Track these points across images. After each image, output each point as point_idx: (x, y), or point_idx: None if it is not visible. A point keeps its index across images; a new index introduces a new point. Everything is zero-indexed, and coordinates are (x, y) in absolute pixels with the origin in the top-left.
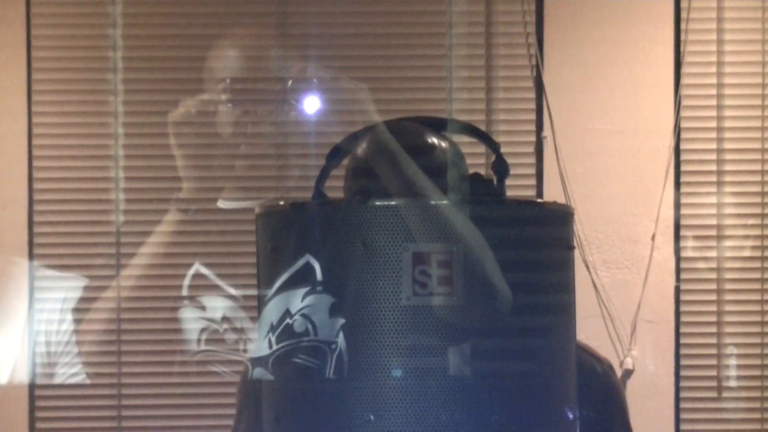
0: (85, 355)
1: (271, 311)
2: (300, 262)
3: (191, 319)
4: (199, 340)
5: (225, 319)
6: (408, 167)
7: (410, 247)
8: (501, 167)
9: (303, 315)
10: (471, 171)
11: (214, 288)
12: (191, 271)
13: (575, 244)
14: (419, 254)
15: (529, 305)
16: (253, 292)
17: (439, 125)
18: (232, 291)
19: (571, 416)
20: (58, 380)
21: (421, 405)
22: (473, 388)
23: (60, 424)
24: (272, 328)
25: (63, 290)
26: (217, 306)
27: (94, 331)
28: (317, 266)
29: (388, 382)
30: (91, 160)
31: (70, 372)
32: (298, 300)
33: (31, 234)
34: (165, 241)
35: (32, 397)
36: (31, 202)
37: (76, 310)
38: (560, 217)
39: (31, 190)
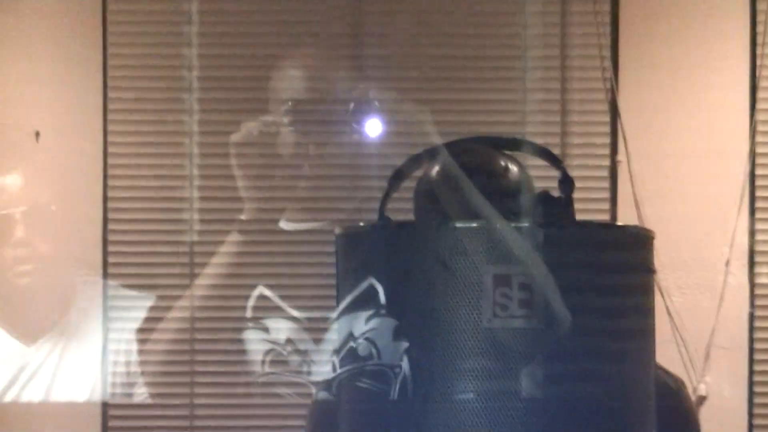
0: (157, 374)
1: (336, 334)
2: (364, 285)
3: (255, 341)
4: (263, 362)
5: (289, 341)
6: (469, 192)
7: (491, 269)
8: (567, 185)
9: (366, 338)
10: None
11: (277, 310)
12: (255, 293)
13: (655, 268)
14: (500, 276)
15: (608, 328)
16: (316, 314)
17: (504, 145)
18: (295, 313)
19: None
20: (131, 399)
21: (494, 429)
22: (548, 411)
23: None
24: (336, 351)
25: (136, 309)
26: (280, 328)
27: (165, 351)
28: (380, 289)
29: (460, 405)
30: (165, 180)
31: (144, 391)
32: (361, 323)
33: (105, 253)
34: (229, 262)
35: (105, 416)
36: (105, 221)
37: (148, 329)
38: (642, 241)
39: (105, 209)
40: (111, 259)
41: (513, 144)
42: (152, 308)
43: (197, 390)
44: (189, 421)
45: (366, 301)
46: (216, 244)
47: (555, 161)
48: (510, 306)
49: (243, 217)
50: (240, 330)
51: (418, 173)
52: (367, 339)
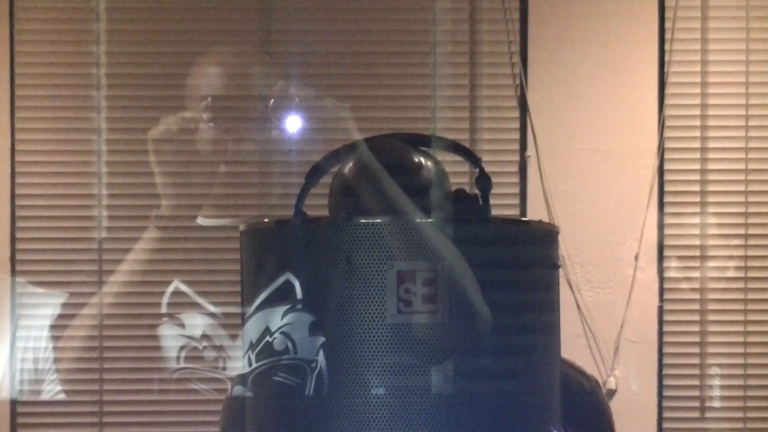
0: (66, 371)
1: (251, 329)
2: (280, 280)
3: (171, 337)
4: (178, 358)
5: (204, 336)
6: (388, 187)
7: (395, 265)
8: (484, 183)
9: (283, 333)
10: (454, 187)
11: (193, 305)
12: (170, 288)
13: (560, 263)
14: (404, 272)
15: (514, 324)
16: (233, 309)
17: (421, 142)
18: (212, 308)
19: None
20: (40, 397)
21: (404, 424)
22: (456, 407)
23: None
24: (252, 346)
25: (45, 306)
26: (196, 323)
27: (76, 348)
28: (297, 284)
29: (370, 401)
30: (73, 177)
31: (52, 389)
32: (278, 318)
33: (13, 250)
34: (144, 259)
35: (14, 414)
36: (13, 218)
37: (58, 326)
38: (545, 236)
39: (13, 206)
40: (19, 257)
41: (430, 141)
42: (62, 305)
43: (107, 387)
44: (99, 418)
45: (282, 295)
46: (125, 240)
47: (472, 159)
48: (414, 302)
49: (160, 213)
50: (154, 326)
51: (335, 169)
52: (283, 333)
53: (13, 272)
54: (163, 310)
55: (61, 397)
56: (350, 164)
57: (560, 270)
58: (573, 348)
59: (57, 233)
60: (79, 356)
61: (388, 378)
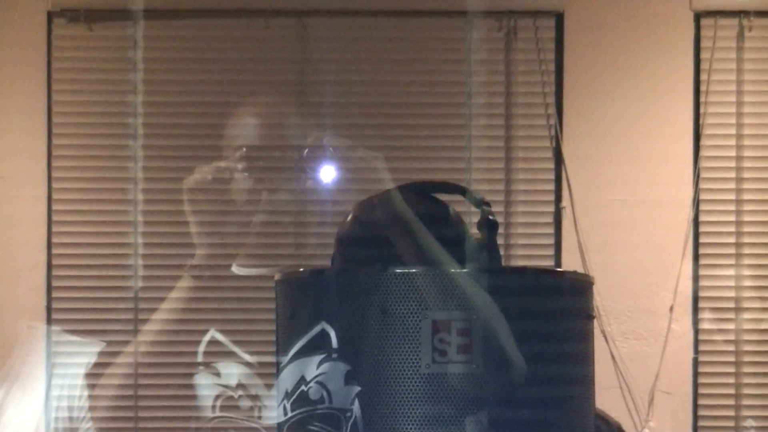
0: (102, 420)
1: (287, 378)
2: (316, 329)
3: (206, 386)
4: (214, 407)
5: (240, 385)
6: (423, 237)
7: (430, 315)
8: (491, 227)
9: (318, 382)
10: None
11: (229, 354)
12: (206, 338)
13: (594, 314)
14: (439, 322)
15: (548, 375)
16: (269, 359)
17: (428, 189)
18: (248, 357)
19: None
20: None
21: None
22: None
23: None
24: (287, 395)
25: (81, 355)
26: (232, 372)
27: (111, 397)
28: (333, 333)
29: None
30: (109, 226)
31: None
32: (313, 367)
33: (49, 299)
34: (179, 307)
35: None
36: (49, 266)
37: (93, 375)
38: (580, 287)
39: (50, 255)
40: (55, 305)
41: (439, 188)
42: (97, 353)
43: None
44: None
45: (317, 344)
46: (161, 289)
47: (477, 203)
48: (449, 351)
49: (194, 262)
50: (189, 375)
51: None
52: (318, 383)
53: (49, 320)
54: (199, 359)
55: None
56: (379, 213)
57: (595, 321)
58: (608, 399)
59: (93, 282)
60: (114, 404)
61: (422, 428)
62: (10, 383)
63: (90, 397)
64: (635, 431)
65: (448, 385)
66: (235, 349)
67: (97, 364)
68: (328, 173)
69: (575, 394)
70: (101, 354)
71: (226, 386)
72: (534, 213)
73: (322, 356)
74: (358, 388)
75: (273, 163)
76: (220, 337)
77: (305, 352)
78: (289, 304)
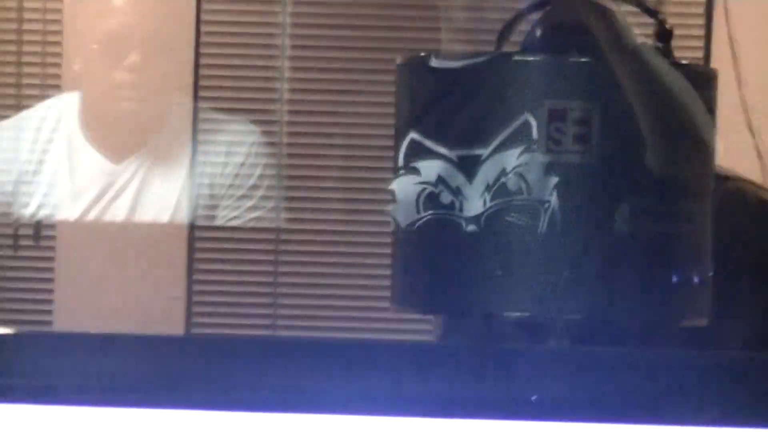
0: (246, 198)
1: (487, 170)
2: (518, 120)
3: (407, 186)
4: (417, 206)
5: (440, 180)
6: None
7: (546, 104)
8: (663, 32)
9: (517, 174)
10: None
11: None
12: (407, 139)
13: (715, 107)
14: (555, 111)
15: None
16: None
17: None
18: (446, 152)
19: (702, 278)
20: (217, 222)
21: (552, 261)
22: (608, 246)
23: (217, 266)
24: (488, 188)
25: (227, 133)
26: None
27: (256, 176)
28: (534, 124)
29: (517, 238)
30: (258, 17)
31: (231, 214)
32: (513, 159)
33: (197, 75)
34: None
35: (192, 238)
36: (198, 44)
37: (238, 153)
38: (703, 79)
39: (198, 31)
40: (202, 83)
41: None
42: (243, 132)
43: (285, 215)
44: (275, 245)
45: (518, 136)
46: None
47: (651, 12)
48: (564, 140)
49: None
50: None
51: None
52: (517, 174)
53: (196, 98)
54: (400, 163)
55: (239, 223)
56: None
57: (742, 116)
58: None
59: (241, 60)
60: (258, 183)
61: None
62: (155, 160)
63: (236, 175)
64: None
65: (561, 176)
66: (433, 145)
67: (243, 143)
68: None
69: (696, 184)
70: (245, 132)
71: (426, 183)
72: (685, 3)
73: (523, 147)
74: (556, 179)
75: None
76: (418, 136)
77: (507, 144)
78: (411, 93)
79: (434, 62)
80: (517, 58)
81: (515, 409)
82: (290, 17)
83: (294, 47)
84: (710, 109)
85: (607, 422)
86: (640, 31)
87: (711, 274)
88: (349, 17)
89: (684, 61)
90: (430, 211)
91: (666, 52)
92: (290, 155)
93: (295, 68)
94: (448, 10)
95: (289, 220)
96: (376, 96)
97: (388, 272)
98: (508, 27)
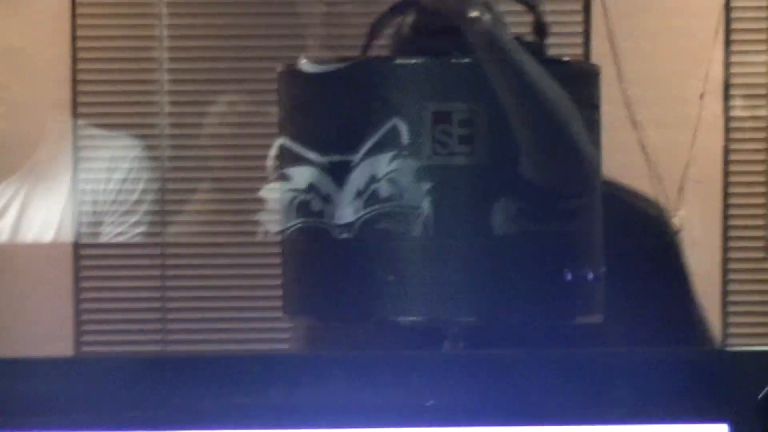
0: (130, 214)
1: (358, 176)
2: (387, 125)
3: (278, 192)
4: (288, 211)
5: (311, 187)
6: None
7: (430, 106)
8: (541, 27)
9: (389, 180)
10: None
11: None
12: (276, 144)
13: (598, 102)
14: (440, 113)
15: (556, 162)
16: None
17: None
18: (315, 157)
19: (594, 275)
20: (102, 239)
21: (443, 265)
22: (496, 248)
23: (104, 283)
24: (358, 194)
25: (108, 149)
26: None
27: (139, 191)
28: (403, 129)
29: (408, 243)
30: (135, 30)
31: (115, 230)
32: (384, 164)
33: (74, 91)
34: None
35: (77, 257)
36: (74, 59)
37: (120, 169)
38: (586, 76)
39: (74, 47)
40: (80, 99)
41: None
42: (124, 147)
43: (169, 229)
44: (161, 260)
45: (389, 142)
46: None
47: (529, 5)
48: (449, 143)
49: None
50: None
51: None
52: (389, 180)
53: (75, 114)
54: (270, 166)
55: (124, 239)
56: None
57: (625, 110)
58: (637, 188)
59: (119, 75)
60: (140, 198)
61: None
62: (36, 179)
63: (118, 191)
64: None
65: (447, 177)
66: (303, 150)
67: (125, 158)
68: None
69: (584, 178)
70: (129, 147)
71: (297, 190)
72: (562, 0)
73: (394, 153)
74: (429, 185)
75: None
76: (288, 142)
77: (377, 150)
78: (292, 101)
79: (307, 67)
80: (399, 61)
81: (410, 415)
82: (167, 29)
83: (172, 59)
84: (594, 105)
85: (505, 425)
86: (518, 27)
87: (602, 271)
88: (228, 27)
89: (566, 58)
90: (302, 219)
91: (543, 46)
92: (173, 168)
93: (174, 80)
94: (321, 17)
95: (175, 233)
96: (256, 106)
97: (275, 282)
98: (377, 27)
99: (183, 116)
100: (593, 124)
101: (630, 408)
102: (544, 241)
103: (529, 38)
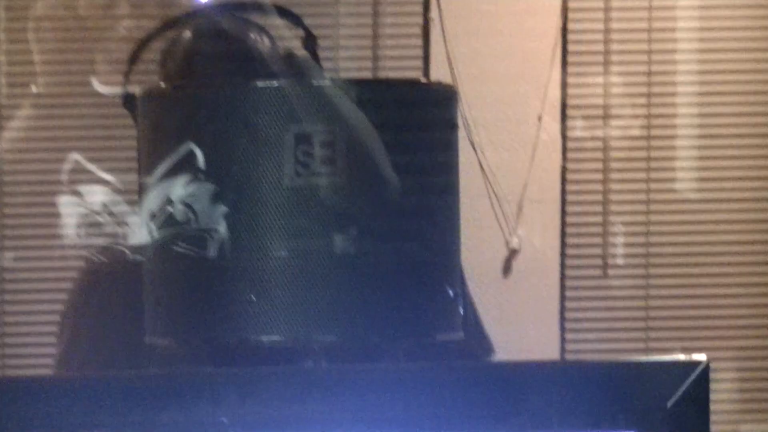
0: None
1: (152, 199)
2: (182, 149)
3: (70, 210)
4: (79, 228)
5: (104, 206)
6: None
7: (292, 128)
8: (310, 40)
9: (184, 203)
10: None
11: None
12: (69, 160)
13: (457, 123)
14: (301, 135)
15: (414, 186)
16: (131, 177)
17: (243, 10)
18: (108, 177)
19: (452, 294)
20: None
21: (304, 285)
22: (358, 267)
23: None
24: (152, 216)
25: None
26: (95, 195)
27: None
28: (199, 153)
29: (270, 264)
30: None
31: None
32: (179, 188)
33: None
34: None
35: None
36: None
37: None
38: (443, 97)
39: None
40: None
41: (254, 8)
42: None
43: (9, 254)
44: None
45: (184, 165)
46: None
47: (295, 20)
48: (311, 164)
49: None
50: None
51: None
52: (184, 204)
53: None
54: (63, 180)
55: None
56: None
57: (463, 131)
58: (477, 209)
59: None
60: None
61: (290, 241)
62: None
63: None
64: (504, 240)
65: (310, 197)
66: (95, 169)
67: None
68: None
69: (441, 202)
70: None
71: (89, 209)
72: (401, 24)
73: (189, 177)
74: (224, 209)
75: None
76: (81, 159)
77: (172, 172)
78: (152, 122)
79: (167, 91)
80: (260, 84)
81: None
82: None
83: (10, 85)
84: (453, 125)
85: None
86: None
87: (457, 290)
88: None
89: (424, 80)
90: (94, 238)
91: (317, 58)
92: (9, 194)
93: (11, 106)
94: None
95: (15, 258)
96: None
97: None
98: (140, 50)
99: (20, 141)
100: (452, 144)
101: (540, 417)
102: (389, 261)
103: (300, 52)
